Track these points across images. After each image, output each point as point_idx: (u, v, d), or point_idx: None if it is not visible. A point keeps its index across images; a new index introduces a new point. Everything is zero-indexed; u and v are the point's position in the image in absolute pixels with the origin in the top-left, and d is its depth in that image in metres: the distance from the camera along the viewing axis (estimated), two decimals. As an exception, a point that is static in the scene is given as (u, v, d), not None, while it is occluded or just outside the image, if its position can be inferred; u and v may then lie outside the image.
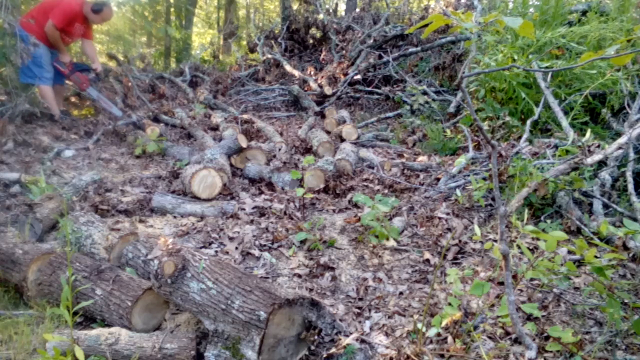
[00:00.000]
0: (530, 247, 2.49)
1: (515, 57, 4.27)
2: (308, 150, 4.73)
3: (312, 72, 7.62)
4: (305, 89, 7.09)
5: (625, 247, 2.34)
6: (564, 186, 2.77)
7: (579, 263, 2.34)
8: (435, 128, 4.79)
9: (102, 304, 1.96)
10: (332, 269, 2.48)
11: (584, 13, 5.24)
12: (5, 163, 3.86)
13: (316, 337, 1.77)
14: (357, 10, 9.64)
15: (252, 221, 2.99)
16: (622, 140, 2.98)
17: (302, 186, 3.59)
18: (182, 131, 5.45)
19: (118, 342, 1.77)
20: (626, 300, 1.94)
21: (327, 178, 3.67)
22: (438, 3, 8.32)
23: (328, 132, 5.21)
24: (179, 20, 12.66)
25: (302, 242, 2.73)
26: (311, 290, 2.30)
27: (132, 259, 2.34)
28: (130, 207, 3.15)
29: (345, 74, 7.08)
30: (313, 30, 8.70)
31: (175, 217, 3.14)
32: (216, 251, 2.63)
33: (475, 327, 1.89)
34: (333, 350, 1.77)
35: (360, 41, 7.56)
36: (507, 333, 1.86)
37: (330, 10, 9.87)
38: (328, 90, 6.70)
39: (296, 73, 7.45)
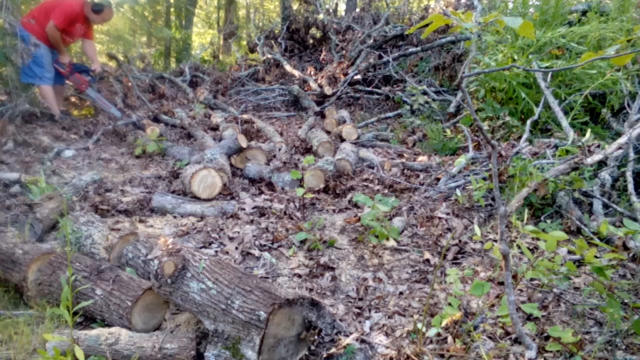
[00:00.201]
0: (530, 247, 2.49)
1: (515, 57, 4.28)
2: (308, 150, 4.73)
3: (312, 72, 7.62)
4: (305, 89, 7.09)
5: (625, 247, 2.34)
6: (564, 186, 2.77)
7: (579, 263, 2.34)
8: (435, 128, 4.79)
9: (102, 304, 1.96)
10: (332, 269, 2.48)
11: (584, 13, 5.24)
12: (5, 163, 3.86)
13: (316, 337, 1.77)
14: (357, 10, 9.64)
15: (252, 221, 2.99)
16: (622, 140, 2.98)
17: (302, 186, 3.59)
18: (182, 131, 5.45)
19: (118, 342, 1.77)
20: (626, 300, 1.94)
21: (327, 178, 3.67)
22: (438, 3, 8.32)
23: (328, 132, 5.21)
24: (179, 20, 12.66)
25: (302, 242, 2.73)
26: (311, 290, 2.30)
27: (132, 259, 2.34)
28: (130, 207, 3.15)
29: (345, 74, 7.08)
30: (313, 30, 8.70)
31: (175, 217, 3.14)
32: (216, 251, 2.63)
33: (475, 327, 1.89)
34: (333, 350, 1.77)
35: (360, 41, 7.57)
36: (507, 333, 1.86)
37: (330, 10, 9.87)
38: (328, 90, 6.71)
39: (296, 73, 7.45)
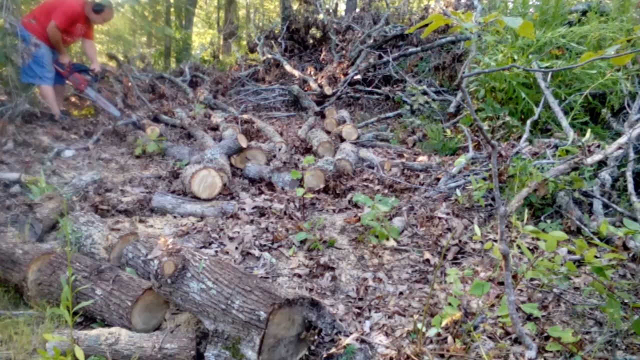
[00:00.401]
0: (530, 247, 2.49)
1: (515, 57, 4.27)
2: (308, 150, 4.73)
3: (312, 72, 7.62)
4: (305, 89, 7.09)
5: (625, 247, 2.34)
6: (564, 186, 2.77)
7: (579, 263, 2.34)
8: (435, 128, 4.79)
9: (102, 304, 1.96)
10: (332, 269, 2.48)
11: (584, 13, 5.24)
12: (5, 163, 3.86)
13: (316, 337, 1.77)
14: (357, 10, 9.64)
15: (252, 221, 2.99)
16: (622, 140, 2.98)
17: (302, 186, 3.59)
18: (182, 131, 5.45)
19: (118, 342, 1.77)
20: (626, 300, 1.94)
21: (327, 178, 3.67)
22: (438, 3, 8.32)
23: (328, 132, 5.21)
24: (179, 20, 12.66)
25: (302, 242, 2.73)
26: (311, 290, 2.30)
27: (132, 259, 2.34)
28: (130, 207, 3.15)
29: (345, 74, 7.08)
30: (313, 30, 8.70)
31: (175, 217, 3.14)
32: (216, 251, 2.63)
33: (475, 327, 1.89)
34: (333, 350, 1.77)
35: (360, 41, 7.57)
36: (507, 333, 1.86)
37: (330, 10, 9.87)
38: (328, 90, 6.70)
39: (296, 73, 7.45)
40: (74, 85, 5.31)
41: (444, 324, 1.74)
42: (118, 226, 2.64)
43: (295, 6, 9.36)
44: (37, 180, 3.25)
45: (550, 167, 2.95)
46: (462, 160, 3.58)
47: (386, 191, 3.61)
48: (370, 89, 6.95)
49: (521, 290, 2.16)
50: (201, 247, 2.66)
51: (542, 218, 2.79)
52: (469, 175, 3.31)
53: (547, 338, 1.78)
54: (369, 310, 2.13)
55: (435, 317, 1.75)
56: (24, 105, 4.71)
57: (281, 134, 5.27)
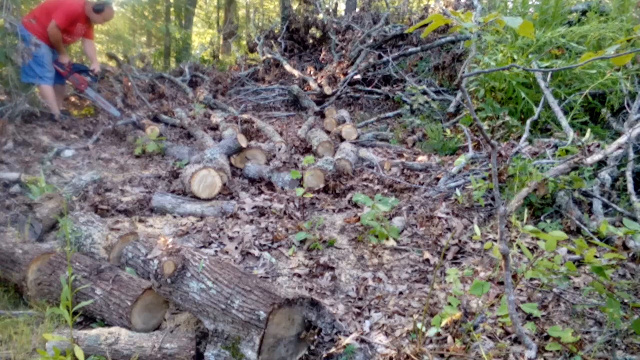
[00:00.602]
0: (530, 247, 2.49)
1: (515, 57, 4.28)
2: (308, 150, 4.73)
3: (312, 72, 7.62)
4: (305, 89, 7.09)
5: (625, 247, 2.34)
6: (564, 186, 2.77)
7: (579, 263, 2.34)
8: (435, 128, 4.79)
9: (102, 304, 1.96)
10: (332, 269, 2.48)
11: (584, 13, 5.24)
12: (5, 163, 3.86)
13: (316, 337, 1.77)
14: (357, 10, 9.64)
15: (252, 221, 2.99)
16: (622, 140, 2.98)
17: (302, 186, 3.59)
18: (182, 131, 5.45)
19: (118, 342, 1.77)
20: (626, 300, 1.94)
21: (327, 178, 3.67)
22: (438, 3, 8.32)
23: (328, 132, 5.21)
24: (179, 20, 12.66)
25: (302, 242, 2.73)
26: (311, 290, 2.30)
27: (132, 259, 2.34)
28: (130, 207, 3.15)
29: (345, 74, 7.08)
30: (313, 30, 8.70)
31: (175, 217, 3.14)
32: (216, 251, 2.63)
33: (475, 327, 1.89)
34: (333, 350, 1.77)
35: (360, 41, 7.57)
36: (507, 333, 1.86)
37: (330, 10, 9.86)
38: (328, 90, 6.70)
39: (296, 73, 7.45)
40: (74, 85, 5.32)
41: (444, 324, 1.74)
42: (118, 226, 2.64)
43: (295, 6, 9.36)
44: (37, 180, 3.25)
45: (550, 167, 2.95)
46: (462, 160, 3.58)
47: (386, 191, 3.61)
48: (370, 89, 6.95)
49: (521, 290, 2.16)
50: (201, 247, 2.66)
51: (542, 218, 2.79)
52: (469, 175, 3.31)
53: (547, 338, 1.78)
54: (369, 310, 2.13)
55: (435, 317, 1.75)
56: (24, 105, 4.71)
57: (281, 134, 5.27)
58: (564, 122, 3.64)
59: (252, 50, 9.08)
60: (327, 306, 2.08)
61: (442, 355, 1.73)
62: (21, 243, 2.33)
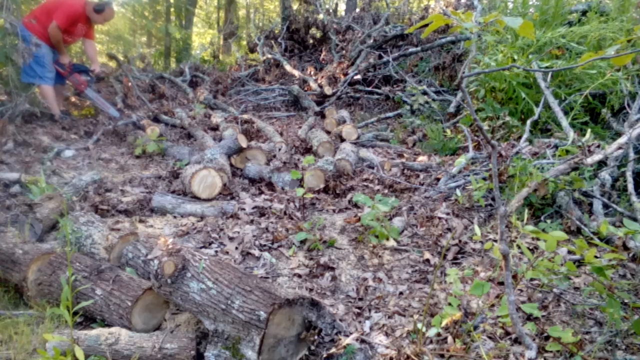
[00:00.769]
0: (530, 247, 2.49)
1: (515, 57, 4.27)
2: (308, 150, 4.73)
3: (312, 72, 7.62)
4: (305, 89, 7.09)
5: (625, 247, 2.34)
6: (564, 186, 2.77)
7: (579, 263, 2.34)
8: (435, 128, 4.79)
9: (102, 304, 1.96)
10: (332, 269, 2.48)
11: (584, 13, 5.24)
12: (5, 163, 3.86)
13: (316, 337, 1.77)
14: (357, 10, 9.64)
15: (252, 221, 2.99)
16: (622, 140, 2.98)
17: (302, 186, 3.60)
18: (182, 131, 5.45)
19: (118, 342, 1.77)
20: (626, 300, 1.94)
21: (327, 178, 3.67)
22: (438, 3, 8.32)
23: (328, 132, 5.21)
24: (179, 20, 12.66)
25: (302, 242, 2.73)
26: (311, 290, 2.30)
27: (132, 259, 2.34)
28: (130, 207, 3.15)
29: (345, 74, 7.08)
30: (313, 30, 8.70)
31: (175, 217, 3.14)
32: (216, 251, 2.63)
33: (475, 327, 1.89)
34: (333, 350, 1.77)
35: (360, 41, 7.57)
36: (507, 333, 1.86)
37: (330, 10, 9.86)
38: (328, 90, 6.70)
39: (296, 73, 7.45)
40: (74, 85, 5.32)
41: (444, 324, 1.74)
42: (118, 226, 2.64)
43: (295, 6, 9.36)
44: (37, 180, 3.25)
45: (550, 167, 2.95)
46: (462, 160, 3.58)
47: (386, 191, 3.61)
48: (370, 89, 6.95)
49: (521, 290, 2.16)
50: (201, 247, 2.66)
51: (542, 218, 2.79)
52: (469, 175, 3.31)
53: (547, 338, 1.78)
54: (369, 310, 2.13)
55: (435, 317, 1.75)
56: (24, 105, 4.71)
57: (281, 134, 5.27)
58: (564, 122, 3.64)
59: (252, 50, 9.08)
60: (327, 306, 2.08)
61: (442, 355, 1.73)
62: (21, 243, 2.33)
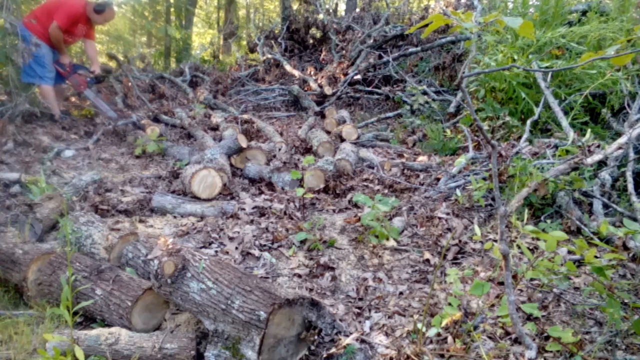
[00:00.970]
0: (530, 247, 2.49)
1: (515, 57, 4.27)
2: (308, 150, 4.73)
3: (312, 72, 7.62)
4: (305, 89, 7.09)
5: (625, 247, 2.34)
6: (564, 186, 2.77)
7: (579, 263, 2.34)
8: (435, 128, 4.79)
9: (102, 304, 1.96)
10: (332, 269, 2.48)
11: (584, 13, 5.24)
12: (5, 163, 3.86)
13: (316, 337, 1.77)
14: (357, 10, 9.64)
15: (252, 221, 2.99)
16: (622, 140, 2.98)
17: (302, 186, 3.59)
18: (182, 131, 5.45)
19: (118, 342, 1.77)
20: (626, 300, 1.94)
21: (327, 178, 3.67)
22: (438, 3, 8.32)
23: (328, 132, 5.21)
24: (179, 20, 12.66)
25: (302, 242, 2.73)
26: (311, 290, 2.30)
27: (132, 259, 2.34)
28: (130, 207, 3.15)
29: (345, 74, 7.08)
30: (313, 30, 8.70)
31: (175, 217, 3.14)
32: (216, 251, 2.63)
33: (475, 327, 1.89)
34: (333, 350, 1.77)
35: (360, 41, 7.57)
36: (507, 333, 1.86)
37: (330, 10, 9.86)
38: (328, 90, 6.70)
39: (296, 73, 7.45)
40: (73, 85, 5.32)
41: (444, 324, 1.74)
42: (118, 226, 2.64)
43: (295, 6, 9.36)
44: (37, 180, 3.25)
45: (550, 167, 2.95)
46: (462, 160, 3.58)
47: (386, 191, 3.61)
48: (370, 89, 6.95)
49: (521, 290, 2.16)
50: (201, 247, 2.66)
51: (542, 218, 2.79)
52: (469, 175, 3.31)
53: (547, 338, 1.78)
54: (369, 310, 2.13)
55: (435, 317, 1.75)
56: (24, 105, 4.71)
57: (281, 134, 5.27)
58: (564, 122, 3.64)
59: (252, 50, 9.08)
60: (327, 306, 2.08)
61: (442, 355, 1.73)
62: (21, 243, 2.33)
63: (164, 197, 3.24)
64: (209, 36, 15.56)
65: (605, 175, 2.96)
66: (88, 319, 2.06)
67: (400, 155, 4.54)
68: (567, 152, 3.06)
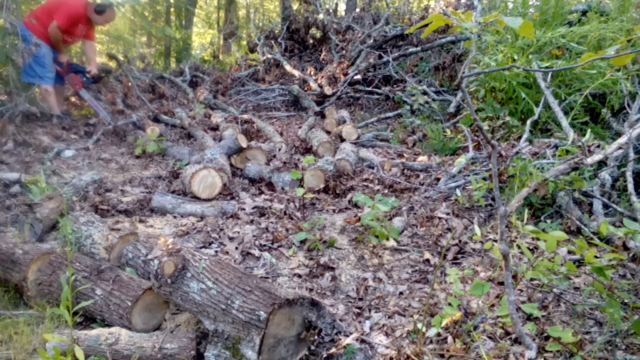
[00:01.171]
0: (530, 247, 2.49)
1: (515, 57, 4.27)
2: (308, 150, 4.73)
3: (312, 72, 7.62)
4: (305, 89, 7.09)
5: (625, 247, 2.34)
6: (564, 186, 2.77)
7: (579, 263, 2.34)
8: (435, 128, 4.79)
9: (102, 304, 1.96)
10: (332, 269, 2.48)
11: (584, 13, 5.24)
12: (5, 163, 3.86)
13: (316, 337, 1.77)
14: (357, 10, 9.64)
15: (252, 221, 2.99)
16: (622, 140, 2.98)
17: (302, 186, 3.59)
18: (182, 131, 5.45)
19: (118, 342, 1.77)
20: (626, 300, 1.94)
21: (327, 178, 3.67)
22: (438, 3, 8.32)
23: (328, 132, 5.21)
24: (179, 20, 12.66)
25: (302, 242, 2.73)
26: (311, 290, 2.30)
27: (132, 259, 2.34)
28: (130, 207, 3.15)
29: (345, 74, 7.08)
30: (313, 30, 8.69)
31: (175, 217, 3.14)
32: (216, 251, 2.63)
33: (475, 327, 1.89)
34: (333, 350, 1.77)
35: (360, 41, 7.57)
36: (507, 333, 1.86)
37: (330, 10, 9.86)
38: (328, 90, 6.70)
39: (296, 73, 7.45)
40: (69, 84, 5.31)
41: (444, 324, 1.74)
42: (118, 226, 2.64)
43: (295, 6, 9.36)
44: (37, 180, 3.25)
45: (550, 167, 2.95)
46: (462, 160, 3.58)
47: (386, 191, 3.61)
48: (370, 89, 6.95)
49: (521, 290, 2.16)
50: (201, 247, 2.66)
51: (542, 218, 2.79)
52: (469, 175, 3.31)
53: (547, 338, 1.78)
54: (369, 310, 2.13)
55: (435, 317, 1.75)
56: (24, 105, 4.71)
57: (281, 134, 5.27)
58: (564, 122, 3.64)
59: (252, 50, 9.08)
60: (327, 306, 2.08)
61: (442, 355, 1.73)
62: (21, 243, 2.33)
63: (164, 197, 3.24)
64: (209, 36, 15.56)
65: (605, 175, 2.96)
66: (88, 319, 2.06)
67: (400, 155, 4.54)
68: (567, 152, 3.06)
